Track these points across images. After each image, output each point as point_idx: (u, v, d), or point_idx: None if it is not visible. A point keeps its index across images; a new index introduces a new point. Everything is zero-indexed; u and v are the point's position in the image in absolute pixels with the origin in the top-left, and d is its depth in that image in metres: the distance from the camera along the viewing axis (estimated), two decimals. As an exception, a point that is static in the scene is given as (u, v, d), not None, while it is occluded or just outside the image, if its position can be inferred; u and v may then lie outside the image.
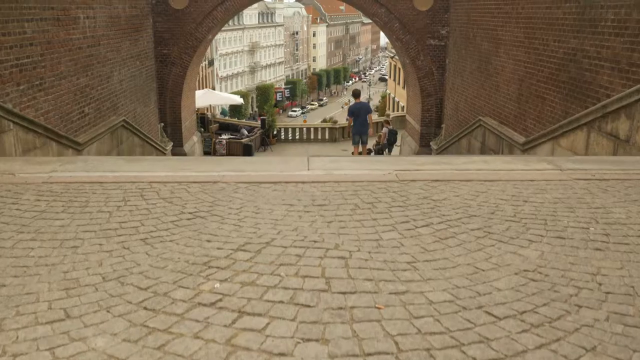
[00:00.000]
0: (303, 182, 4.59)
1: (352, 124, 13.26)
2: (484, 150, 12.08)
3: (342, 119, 78.54)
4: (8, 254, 3.05)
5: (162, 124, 16.70)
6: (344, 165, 5.04)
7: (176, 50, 17.09)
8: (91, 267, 2.86)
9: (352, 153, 13.62)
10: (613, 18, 7.36)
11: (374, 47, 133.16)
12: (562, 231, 3.42)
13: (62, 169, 4.93)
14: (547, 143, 8.95)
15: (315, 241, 3.20)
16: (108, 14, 11.52)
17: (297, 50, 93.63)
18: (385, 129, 18.22)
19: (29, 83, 8.07)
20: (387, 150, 18.22)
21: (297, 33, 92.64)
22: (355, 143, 13.45)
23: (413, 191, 4.35)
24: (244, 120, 45.80)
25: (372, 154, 16.50)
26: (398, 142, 20.15)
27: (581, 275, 2.79)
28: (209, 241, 3.23)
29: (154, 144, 14.53)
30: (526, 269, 2.86)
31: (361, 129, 13.17)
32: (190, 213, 3.77)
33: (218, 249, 3.09)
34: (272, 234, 3.36)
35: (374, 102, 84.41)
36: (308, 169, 4.95)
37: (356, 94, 13.67)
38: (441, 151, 15.68)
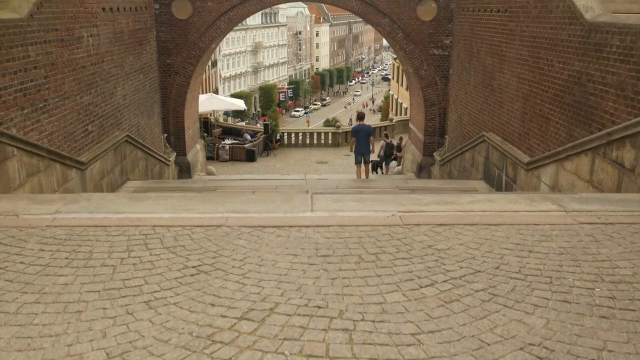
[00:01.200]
0: (307, 226, 4.58)
1: (354, 144, 13.72)
2: (487, 166, 12.05)
3: (345, 119, 78.32)
4: (12, 321, 3.05)
5: (166, 135, 16.71)
6: (347, 205, 5.03)
7: (180, 60, 17.08)
8: (95, 339, 2.85)
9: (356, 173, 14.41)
10: (618, 44, 7.31)
11: (377, 46, 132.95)
12: (567, 293, 3.39)
13: (65, 209, 4.93)
14: (551, 165, 8.92)
15: (319, 307, 3.19)
16: (112, 30, 11.51)
17: (300, 50, 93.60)
18: (382, 142, 18.38)
19: (33, 106, 8.06)
20: (384, 163, 18.38)
21: (300, 33, 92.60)
22: (357, 162, 14.03)
23: (417, 238, 4.33)
24: (244, 123, 45.83)
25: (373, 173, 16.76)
26: (401, 153, 20.18)
27: (587, 351, 2.77)
28: (212, 305, 3.22)
29: (157, 156, 14.54)
30: (531, 342, 2.84)
31: (363, 150, 13.75)
32: (193, 267, 3.76)
33: (222, 316, 3.07)
34: (276, 295, 3.35)
35: (377, 102, 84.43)
36: (312, 210, 4.93)
37: (360, 116, 14.30)
38: (444, 163, 15.64)
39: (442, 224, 4.65)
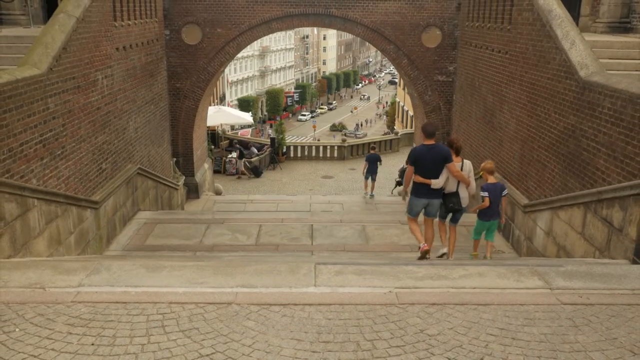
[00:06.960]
0: (310, 305, 4.99)
1: (366, 167, 18.57)
2: (487, 201, 12.39)
3: (352, 124, 77.85)
4: (49, 420, 3.46)
5: (175, 159, 17.16)
6: (348, 279, 5.42)
7: (189, 84, 17.54)
8: None
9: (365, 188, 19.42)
10: (609, 107, 7.65)
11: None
12: (542, 393, 3.78)
13: (88, 281, 5.35)
14: (546, 211, 9.29)
15: (319, 409, 3.59)
16: (124, 68, 11.94)
17: (307, 53, 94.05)
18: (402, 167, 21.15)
19: (52, 154, 8.48)
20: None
21: (307, 36, 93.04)
22: (366, 179, 18.79)
23: (410, 321, 4.72)
24: (250, 131, 46.31)
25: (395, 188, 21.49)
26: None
27: None
28: (224, 403, 3.62)
29: (167, 183, 14.98)
30: None
31: (372, 171, 18.55)
32: (207, 356, 4.17)
33: (233, 418, 3.48)
34: (281, 392, 3.75)
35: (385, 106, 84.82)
36: (315, 285, 5.34)
37: (372, 147, 20.64)
38: (447, 190, 16.00)
39: (434, 304, 5.04)
